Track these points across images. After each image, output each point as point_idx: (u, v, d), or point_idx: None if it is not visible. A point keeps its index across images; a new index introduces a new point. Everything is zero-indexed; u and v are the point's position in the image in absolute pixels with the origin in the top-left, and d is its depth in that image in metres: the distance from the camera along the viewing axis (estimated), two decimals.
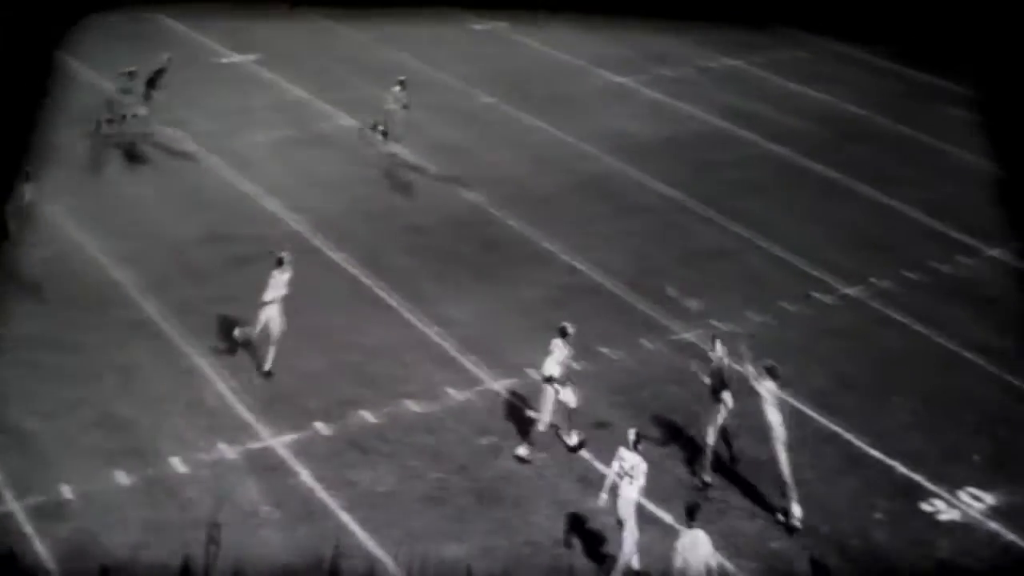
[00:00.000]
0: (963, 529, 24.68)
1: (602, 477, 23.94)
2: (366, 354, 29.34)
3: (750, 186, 38.54)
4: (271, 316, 27.78)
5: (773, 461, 24.35)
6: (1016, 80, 36.78)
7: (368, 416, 27.20)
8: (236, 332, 28.41)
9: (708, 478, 25.01)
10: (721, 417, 24.75)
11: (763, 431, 24.43)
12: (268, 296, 27.64)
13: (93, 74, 41.92)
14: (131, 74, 38.69)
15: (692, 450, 25.87)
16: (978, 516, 24.91)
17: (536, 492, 25.22)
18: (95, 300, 31.39)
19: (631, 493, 22.36)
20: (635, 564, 22.59)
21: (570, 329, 25.83)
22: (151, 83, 39.39)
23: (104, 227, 34.20)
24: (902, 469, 26.06)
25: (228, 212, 36.14)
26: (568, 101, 45.02)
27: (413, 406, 27.68)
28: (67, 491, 24.83)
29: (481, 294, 32.07)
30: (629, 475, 22.34)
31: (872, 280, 32.91)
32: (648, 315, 31.09)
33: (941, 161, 40.77)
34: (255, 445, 26.39)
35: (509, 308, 31.42)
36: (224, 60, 47.44)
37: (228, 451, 26.14)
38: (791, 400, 26.42)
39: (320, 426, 26.89)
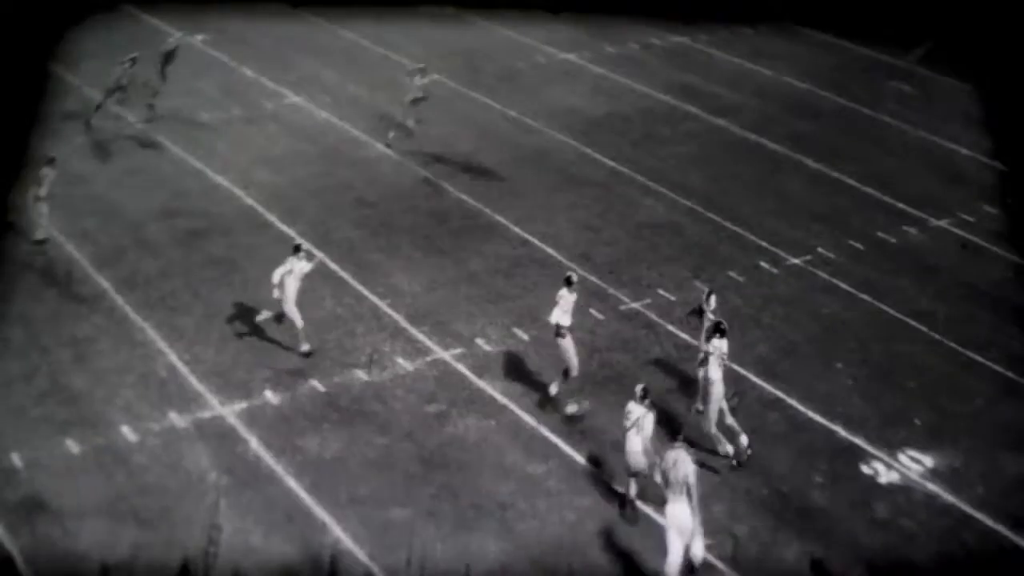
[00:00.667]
0: (902, 491, 24.81)
1: (544, 443, 24.77)
2: (316, 325, 29.23)
3: (696, 160, 38.57)
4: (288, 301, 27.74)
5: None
6: (957, 53, 36.93)
7: (317, 385, 27.20)
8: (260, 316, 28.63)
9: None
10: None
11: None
12: (289, 287, 27.70)
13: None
14: (133, 60, 38.35)
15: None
16: (917, 479, 25.06)
17: (481, 458, 25.30)
18: (49, 274, 31.20)
19: (637, 445, 22.75)
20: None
21: (574, 278, 26.02)
22: (166, 62, 39.39)
23: (58, 204, 33.87)
24: (843, 433, 26.18)
25: (181, 189, 35.82)
26: (514, 78, 44.82)
27: (362, 375, 27.67)
28: (16, 459, 24.82)
29: (430, 266, 32.05)
30: (636, 426, 22.64)
31: (819, 250, 33.02)
32: (597, 285, 30.96)
33: (885, 134, 40.83)
34: (205, 414, 26.39)
35: (458, 279, 31.43)
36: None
37: (178, 420, 26.13)
38: (736, 367, 26.52)
39: (269, 395, 26.89)
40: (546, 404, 26.07)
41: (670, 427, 25.40)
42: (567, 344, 25.67)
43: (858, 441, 25.92)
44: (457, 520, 23.43)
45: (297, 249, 27.85)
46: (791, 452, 25.61)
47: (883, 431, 26.26)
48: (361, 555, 22.72)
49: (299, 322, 27.75)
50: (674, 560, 20.74)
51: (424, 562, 22.44)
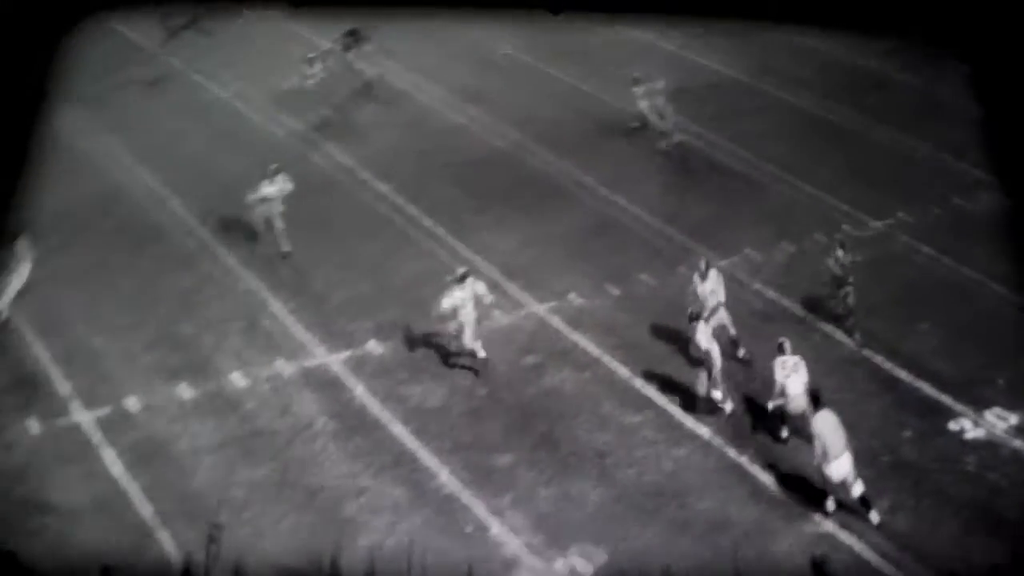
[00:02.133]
0: (988, 447, 24.69)
1: (639, 395, 25.00)
2: (413, 279, 29.43)
3: (772, 130, 38.21)
4: None
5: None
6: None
7: (414, 338, 27.11)
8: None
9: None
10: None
11: None
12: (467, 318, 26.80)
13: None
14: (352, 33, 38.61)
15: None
16: (1002, 435, 24.92)
17: (578, 408, 25.37)
18: (154, 229, 31.47)
19: (799, 388, 23.57)
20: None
21: (702, 264, 26.51)
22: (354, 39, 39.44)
23: (157, 163, 34.23)
24: (929, 391, 25.97)
25: (270, 149, 35.99)
26: (589, 52, 44.24)
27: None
28: (132, 403, 25.05)
29: (520, 225, 32.14)
30: (794, 371, 23.62)
31: (899, 215, 32.74)
32: (685, 245, 30.91)
33: (954, 106, 40.30)
34: (311, 362, 26.67)
35: (548, 238, 31.50)
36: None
37: (285, 367, 26.40)
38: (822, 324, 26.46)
39: (372, 345, 26.95)
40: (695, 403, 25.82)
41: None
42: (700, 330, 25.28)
43: (944, 399, 25.76)
44: (558, 467, 23.58)
45: (464, 277, 26.07)
46: (880, 408, 25.45)
47: (968, 389, 26.04)
48: (466, 497, 22.67)
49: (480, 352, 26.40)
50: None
51: (528, 506, 22.37)
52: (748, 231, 31.60)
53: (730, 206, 32.84)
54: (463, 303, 25.56)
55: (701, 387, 24.63)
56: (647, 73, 36.55)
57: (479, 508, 22.54)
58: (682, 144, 35.84)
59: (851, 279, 26.74)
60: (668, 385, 25.51)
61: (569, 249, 30.83)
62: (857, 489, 21.92)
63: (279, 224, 30.01)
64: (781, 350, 23.75)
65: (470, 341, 25.73)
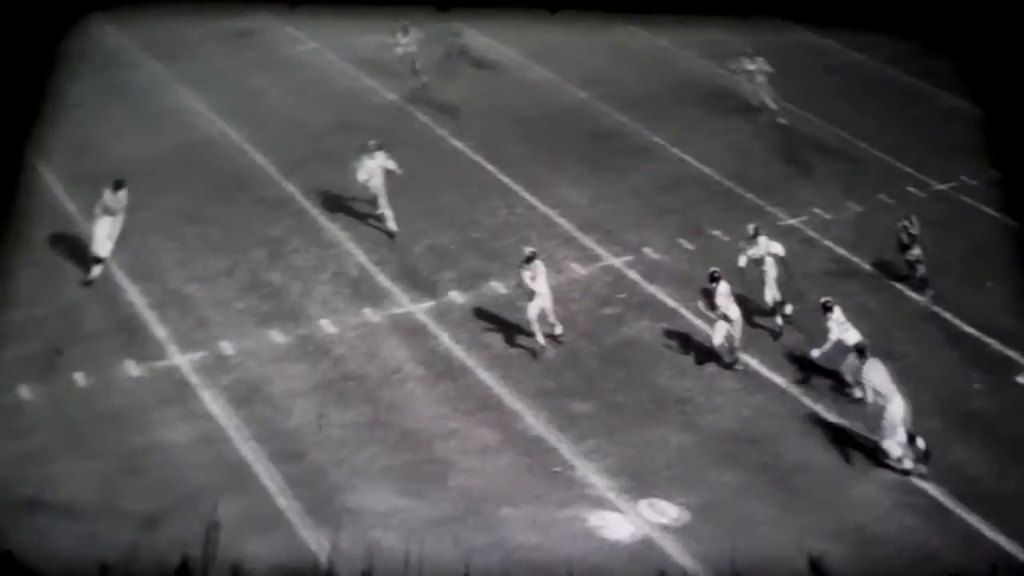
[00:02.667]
0: None
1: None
2: (492, 232, 30.02)
3: (839, 91, 38.45)
4: None
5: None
6: None
7: (498, 287, 27.77)
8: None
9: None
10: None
11: None
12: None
13: None
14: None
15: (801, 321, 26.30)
16: None
17: (657, 357, 25.86)
18: (240, 181, 32.13)
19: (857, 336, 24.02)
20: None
21: (750, 229, 26.97)
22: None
23: (242, 116, 34.88)
24: (997, 346, 26.35)
25: (355, 105, 36.52)
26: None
27: None
28: (227, 347, 25.67)
29: (595, 180, 32.63)
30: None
31: (962, 178, 33.00)
32: (754, 203, 31.32)
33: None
34: (397, 311, 27.11)
35: (622, 193, 32.00)
36: None
37: (372, 315, 26.96)
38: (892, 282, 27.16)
39: (455, 295, 27.47)
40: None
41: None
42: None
43: (1012, 354, 26.12)
44: (639, 412, 24.15)
45: (531, 259, 25.70)
46: (949, 362, 25.87)
47: None
48: (552, 440, 23.26)
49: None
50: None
51: (611, 450, 22.93)
52: (815, 190, 31.89)
53: (797, 165, 33.06)
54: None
55: (717, 338, 25.15)
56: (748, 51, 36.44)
57: (565, 451, 23.05)
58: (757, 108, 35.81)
59: (916, 247, 26.97)
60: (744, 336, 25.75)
61: (642, 205, 31.32)
62: (919, 442, 22.31)
63: (383, 203, 29.82)
64: (828, 308, 24.25)
65: (533, 318, 25.62)
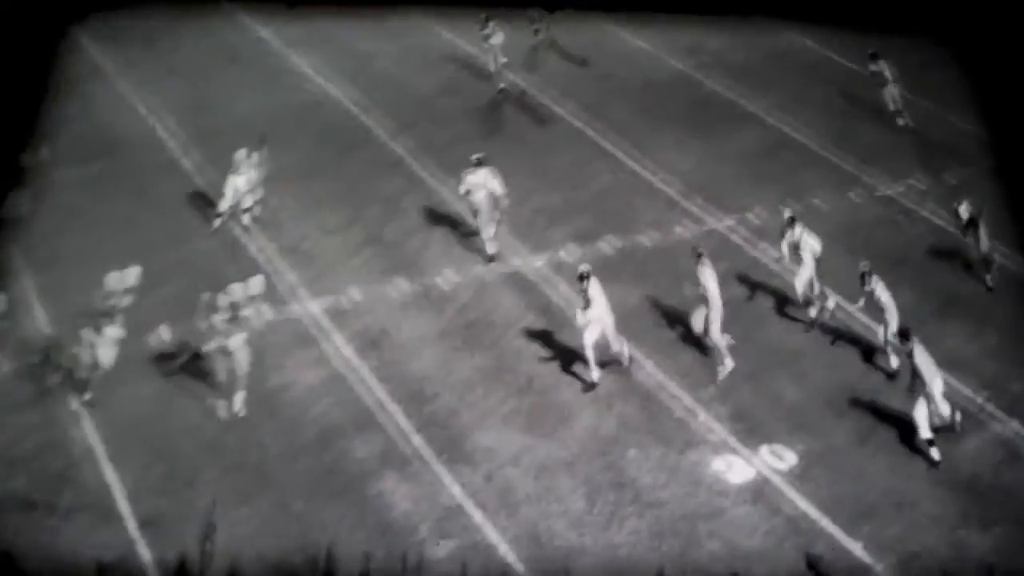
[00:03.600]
0: None
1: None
2: (598, 194, 30.45)
3: (936, 59, 38.10)
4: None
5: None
6: None
7: (607, 247, 28.23)
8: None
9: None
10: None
11: None
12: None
13: None
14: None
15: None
16: None
17: (768, 314, 26.21)
18: (352, 140, 32.72)
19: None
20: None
21: (786, 215, 26.28)
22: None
23: (353, 78, 35.42)
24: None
25: (460, 69, 36.92)
26: None
27: (646, 240, 28.58)
28: (355, 293, 26.14)
29: (695, 147, 32.89)
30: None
31: None
32: (852, 172, 31.57)
33: None
34: (512, 265, 27.47)
35: (722, 159, 32.25)
36: None
37: (489, 269, 27.26)
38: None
39: (565, 254, 27.90)
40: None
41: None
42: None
43: None
44: (756, 364, 24.46)
45: (584, 276, 24.17)
46: None
47: None
48: (672, 388, 23.75)
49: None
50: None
51: (728, 399, 23.33)
52: (914, 159, 32.02)
53: (895, 135, 33.24)
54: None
55: (697, 325, 24.66)
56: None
57: (685, 398, 23.44)
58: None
59: (970, 232, 27.01)
60: (850, 296, 25.88)
61: (744, 170, 31.59)
62: (957, 416, 22.25)
63: (483, 220, 28.18)
64: (866, 280, 24.08)
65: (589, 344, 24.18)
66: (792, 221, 25.69)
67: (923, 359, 21.82)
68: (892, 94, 33.65)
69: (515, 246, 28.17)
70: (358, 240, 28.37)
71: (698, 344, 24.87)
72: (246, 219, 28.35)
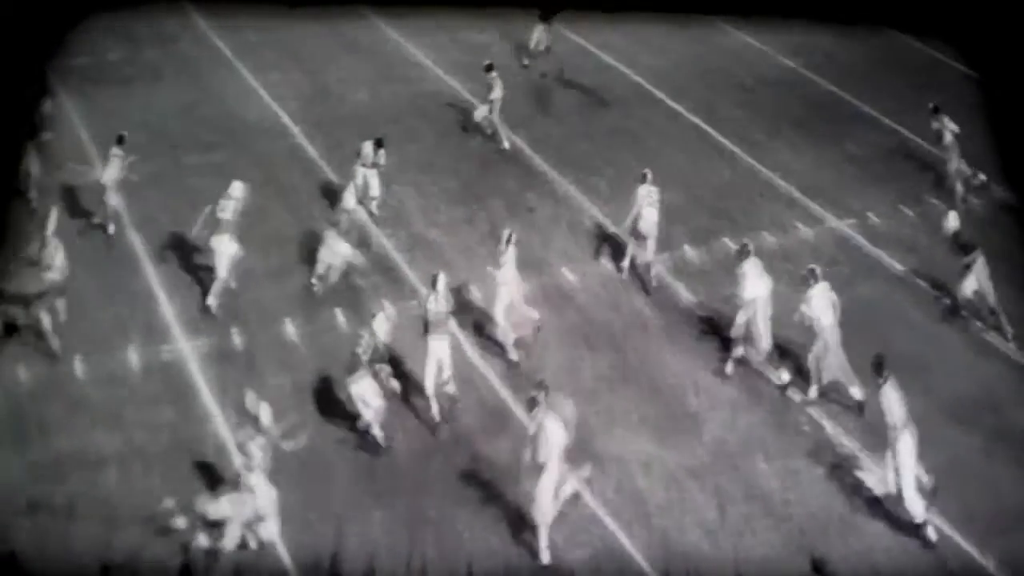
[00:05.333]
0: None
1: (945, 309, 25.24)
2: (718, 191, 29.60)
3: None
4: None
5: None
6: None
7: (729, 243, 27.24)
8: None
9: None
10: None
11: None
12: None
13: None
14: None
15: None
16: None
17: (890, 319, 25.19)
18: (470, 133, 32.31)
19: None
20: None
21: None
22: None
23: (467, 74, 34.64)
24: None
25: (572, 64, 36.22)
26: None
27: (768, 237, 27.70)
28: (476, 291, 25.35)
29: (812, 147, 32.04)
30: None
31: None
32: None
33: None
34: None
35: (840, 160, 31.42)
36: None
37: (609, 266, 26.59)
38: None
39: (688, 249, 27.09)
40: None
41: None
42: None
43: None
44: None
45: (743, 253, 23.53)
46: None
47: None
48: (798, 399, 22.87)
49: None
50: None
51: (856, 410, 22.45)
52: None
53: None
54: None
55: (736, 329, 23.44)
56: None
57: (812, 409, 22.51)
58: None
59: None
60: (971, 306, 25.00)
61: (861, 171, 30.71)
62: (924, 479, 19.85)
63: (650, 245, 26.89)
64: (813, 276, 22.45)
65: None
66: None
67: (893, 401, 20.02)
68: (956, 168, 29.09)
69: (635, 242, 27.10)
70: (480, 234, 27.75)
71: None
72: (373, 207, 27.52)
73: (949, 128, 28.76)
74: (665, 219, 26.79)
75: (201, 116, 32.39)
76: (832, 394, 22.84)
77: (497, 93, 30.90)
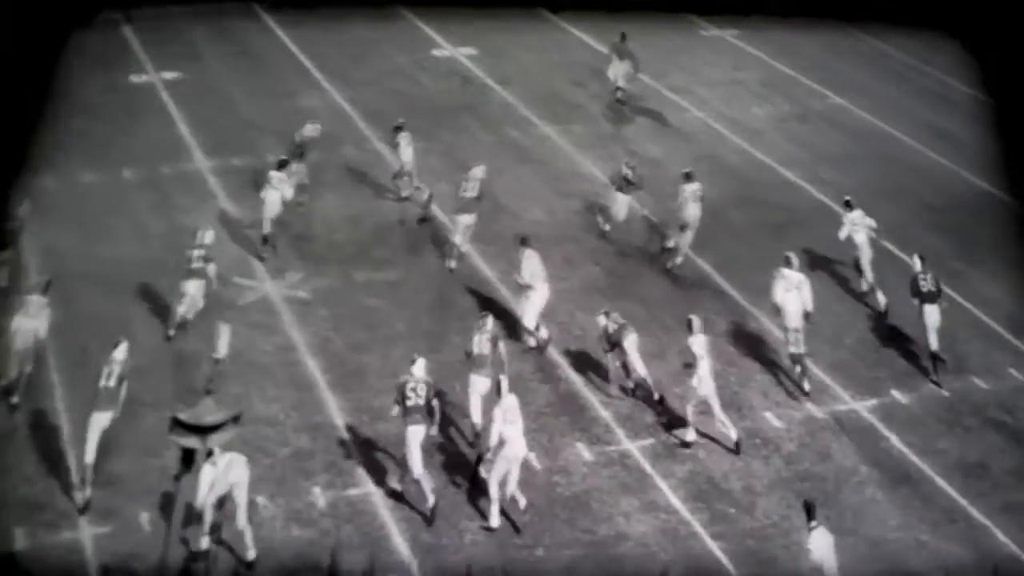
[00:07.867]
0: None
1: None
2: (918, 326, 28.66)
3: None
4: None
5: None
6: None
7: (937, 389, 26.69)
8: None
9: None
10: None
11: None
12: None
13: None
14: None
15: None
16: None
17: None
18: (652, 253, 32.13)
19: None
20: None
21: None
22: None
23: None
24: None
25: (751, 179, 36.04)
26: None
27: (979, 383, 27.26)
28: (679, 434, 25.11)
29: (1012, 275, 31.08)
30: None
31: None
32: None
33: None
34: (840, 407, 26.55)
35: None
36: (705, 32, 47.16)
37: (815, 411, 26.38)
38: None
39: (897, 394, 26.83)
40: None
41: None
42: None
43: None
44: None
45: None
46: None
47: None
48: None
49: None
50: None
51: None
52: None
53: None
54: None
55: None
56: None
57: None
58: None
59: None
60: None
61: None
62: None
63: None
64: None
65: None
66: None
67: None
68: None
69: (840, 384, 27.03)
70: (669, 369, 27.16)
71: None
72: None
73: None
74: (871, 356, 27.19)
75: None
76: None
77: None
